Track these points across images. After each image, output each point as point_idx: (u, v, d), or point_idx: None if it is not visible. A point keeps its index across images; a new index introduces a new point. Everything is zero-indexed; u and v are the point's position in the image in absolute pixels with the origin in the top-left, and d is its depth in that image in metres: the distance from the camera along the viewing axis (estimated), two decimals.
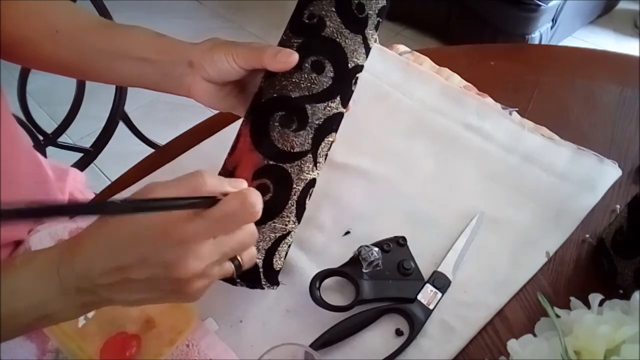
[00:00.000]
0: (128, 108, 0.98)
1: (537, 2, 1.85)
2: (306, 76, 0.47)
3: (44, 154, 0.91)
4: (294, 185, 0.47)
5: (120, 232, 0.35)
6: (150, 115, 1.62)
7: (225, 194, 0.37)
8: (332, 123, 0.49)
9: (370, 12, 0.49)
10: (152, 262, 0.35)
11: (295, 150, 0.47)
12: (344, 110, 0.50)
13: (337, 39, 0.47)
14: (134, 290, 0.37)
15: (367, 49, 0.50)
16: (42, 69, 0.55)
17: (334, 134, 0.50)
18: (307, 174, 0.48)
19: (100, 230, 0.36)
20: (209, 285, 0.39)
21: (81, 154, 0.97)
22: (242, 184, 0.39)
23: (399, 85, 0.75)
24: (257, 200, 0.38)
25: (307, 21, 0.48)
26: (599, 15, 2.35)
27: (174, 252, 0.35)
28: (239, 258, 0.40)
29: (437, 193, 0.63)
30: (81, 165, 0.96)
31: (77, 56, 0.52)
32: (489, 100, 0.73)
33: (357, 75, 0.50)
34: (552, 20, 2.00)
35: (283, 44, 0.48)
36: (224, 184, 0.38)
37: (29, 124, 0.91)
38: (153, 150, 0.96)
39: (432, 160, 0.66)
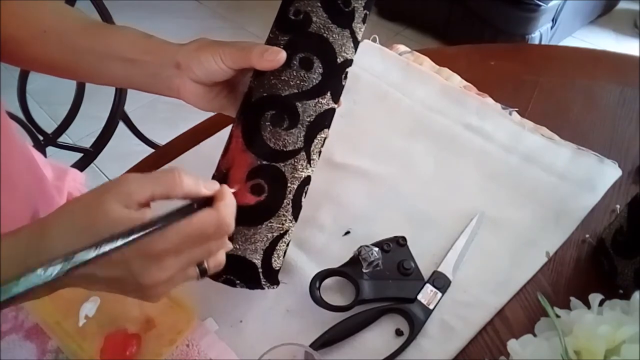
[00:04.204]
0: (128, 108, 0.98)
1: (537, 2, 1.85)
2: (295, 73, 0.47)
3: (44, 154, 0.91)
4: (289, 184, 0.47)
5: (90, 229, 0.34)
6: (150, 115, 1.62)
7: (200, 199, 0.37)
8: (324, 119, 0.49)
9: (357, 5, 0.48)
10: (119, 267, 0.35)
11: (287, 149, 0.47)
12: (336, 105, 0.50)
13: (324, 35, 0.47)
14: (97, 283, 0.37)
15: (356, 43, 0.50)
16: (31, 68, 0.55)
17: (326, 130, 0.50)
18: (301, 172, 0.48)
19: (67, 219, 0.36)
20: (170, 289, 0.39)
21: (81, 154, 0.97)
22: (216, 185, 0.39)
23: (399, 85, 0.75)
24: (232, 220, 0.38)
25: (293, 18, 0.47)
26: (599, 15, 2.35)
27: (142, 263, 0.35)
28: (205, 263, 0.40)
29: (437, 193, 0.63)
30: (81, 165, 0.96)
31: (65, 56, 0.52)
32: (489, 100, 0.73)
33: (347, 69, 0.50)
34: (552, 20, 2.00)
35: (270, 42, 0.48)
36: (200, 186, 0.38)
37: (29, 124, 0.91)
38: (153, 150, 0.96)
39: (432, 160, 0.66)
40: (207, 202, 0.38)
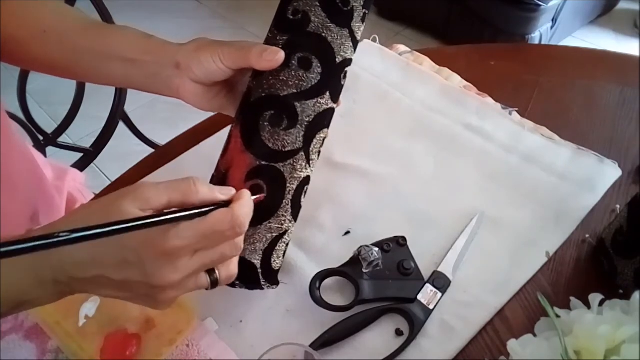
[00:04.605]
0: (128, 108, 0.98)
1: (537, 2, 1.85)
2: (294, 73, 0.46)
3: (44, 154, 0.91)
4: (288, 184, 0.47)
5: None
6: (150, 115, 1.62)
7: (215, 203, 0.38)
8: (323, 119, 0.49)
9: (356, 4, 0.48)
10: (132, 267, 0.35)
11: (286, 149, 0.47)
12: (335, 105, 0.50)
13: (323, 34, 0.47)
14: (107, 287, 0.37)
15: (355, 42, 0.49)
16: (31, 68, 0.55)
17: (325, 130, 0.50)
18: (300, 172, 0.48)
19: (81, 220, 0.36)
20: (180, 295, 0.39)
21: (81, 154, 0.97)
22: (232, 191, 0.40)
23: (399, 85, 0.75)
24: (246, 220, 0.39)
25: (291, 17, 0.47)
26: (599, 15, 2.35)
27: (156, 262, 0.35)
28: (216, 273, 0.40)
29: (437, 193, 0.63)
30: (81, 165, 0.96)
31: (64, 56, 0.52)
32: (489, 100, 0.73)
33: (346, 69, 0.50)
34: (552, 20, 2.00)
35: (269, 42, 0.48)
36: (215, 193, 0.38)
37: (29, 124, 0.91)
38: (153, 150, 0.96)
39: (432, 160, 0.66)
40: (223, 207, 0.38)
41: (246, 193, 0.40)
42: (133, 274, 0.36)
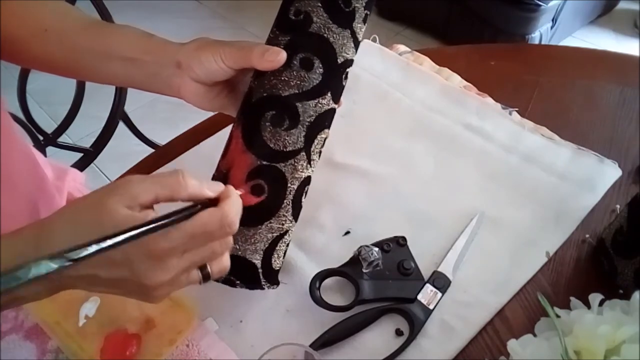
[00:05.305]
0: (128, 108, 0.98)
1: (537, 2, 1.85)
2: (295, 74, 0.47)
3: (44, 154, 0.91)
4: (289, 184, 0.47)
5: (94, 227, 0.34)
6: (150, 115, 1.62)
7: (204, 200, 0.37)
8: (324, 119, 0.49)
9: (357, 5, 0.48)
10: (121, 267, 0.35)
11: (288, 149, 0.47)
12: (336, 105, 0.50)
13: (325, 35, 0.47)
14: (99, 285, 0.37)
15: (356, 43, 0.49)
16: (32, 67, 0.55)
17: (326, 130, 0.50)
18: (301, 172, 0.48)
19: (71, 218, 0.36)
20: (173, 291, 0.39)
21: (81, 154, 0.97)
22: (220, 187, 0.39)
23: (399, 85, 0.75)
24: (236, 219, 0.38)
25: (293, 18, 0.47)
26: (599, 15, 2.35)
27: (145, 263, 0.35)
28: (208, 268, 0.40)
29: (437, 193, 0.63)
30: (81, 165, 0.96)
31: (65, 55, 0.52)
32: (489, 100, 0.73)
33: (347, 70, 0.50)
34: (552, 20, 2.00)
35: (270, 42, 0.48)
36: (203, 188, 0.37)
37: (29, 124, 0.91)
38: (153, 150, 0.96)
39: (432, 160, 0.66)
40: (212, 203, 0.38)
41: (233, 191, 0.39)
42: (122, 274, 0.35)
